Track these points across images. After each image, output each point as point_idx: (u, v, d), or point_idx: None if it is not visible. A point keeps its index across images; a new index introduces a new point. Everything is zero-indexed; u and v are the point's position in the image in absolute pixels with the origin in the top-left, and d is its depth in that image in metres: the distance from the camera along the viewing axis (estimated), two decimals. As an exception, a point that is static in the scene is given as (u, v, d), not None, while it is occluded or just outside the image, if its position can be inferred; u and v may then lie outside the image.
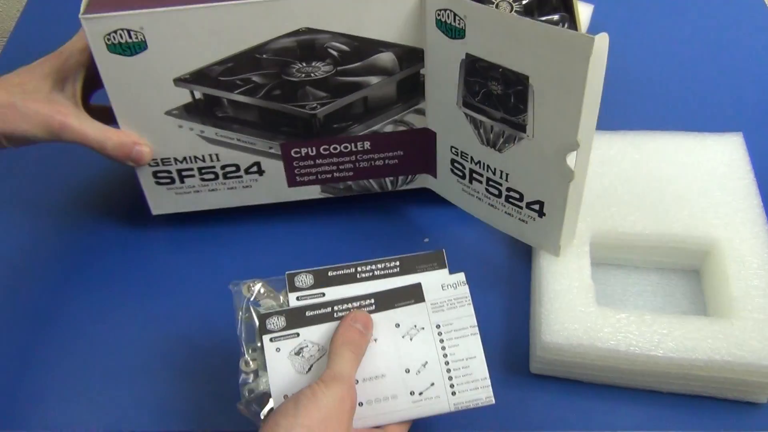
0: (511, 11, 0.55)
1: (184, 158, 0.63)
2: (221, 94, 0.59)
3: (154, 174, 0.64)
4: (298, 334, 0.48)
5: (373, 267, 0.51)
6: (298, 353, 0.48)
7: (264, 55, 0.56)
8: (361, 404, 0.47)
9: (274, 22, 0.55)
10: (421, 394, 0.48)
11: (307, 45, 0.56)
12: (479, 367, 0.49)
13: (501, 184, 0.60)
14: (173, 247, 0.68)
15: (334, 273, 0.51)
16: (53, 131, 0.57)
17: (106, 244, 0.68)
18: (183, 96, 0.59)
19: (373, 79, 0.59)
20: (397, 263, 0.51)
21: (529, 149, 0.56)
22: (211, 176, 0.65)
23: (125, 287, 0.64)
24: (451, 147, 0.62)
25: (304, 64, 0.57)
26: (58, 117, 0.57)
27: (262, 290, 0.52)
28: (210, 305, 0.61)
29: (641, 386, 0.56)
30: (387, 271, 0.51)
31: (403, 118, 0.62)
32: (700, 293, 0.61)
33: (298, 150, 0.63)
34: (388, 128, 0.63)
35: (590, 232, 0.61)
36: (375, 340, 0.49)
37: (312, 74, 0.58)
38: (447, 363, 0.49)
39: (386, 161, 0.65)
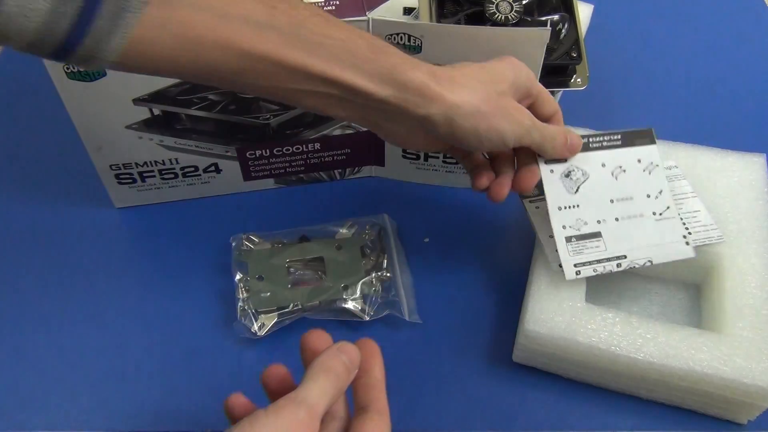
0: (511, 11, 0.57)
1: (145, 163, 0.64)
2: (179, 110, 0.61)
3: (116, 176, 0.65)
4: (566, 160, 0.57)
5: None
6: (567, 175, 0.57)
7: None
8: (617, 219, 0.57)
9: None
10: (661, 214, 0.57)
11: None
12: (706, 217, 0.59)
13: None
14: (167, 239, 0.67)
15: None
16: (523, 133, 0.51)
17: (99, 239, 0.67)
18: (142, 112, 0.60)
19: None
20: None
21: None
22: (171, 176, 0.67)
23: (124, 285, 0.64)
24: None
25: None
26: (527, 118, 0.51)
27: (255, 239, 0.62)
28: (209, 305, 0.61)
29: (621, 389, 0.56)
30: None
31: (350, 124, 0.65)
32: (698, 308, 0.60)
33: (253, 152, 0.66)
34: (337, 132, 0.66)
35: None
36: (624, 170, 0.58)
37: (265, 92, 0.61)
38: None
39: (335, 158, 0.69)
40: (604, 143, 0.59)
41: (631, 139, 0.59)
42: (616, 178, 0.58)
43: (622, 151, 0.59)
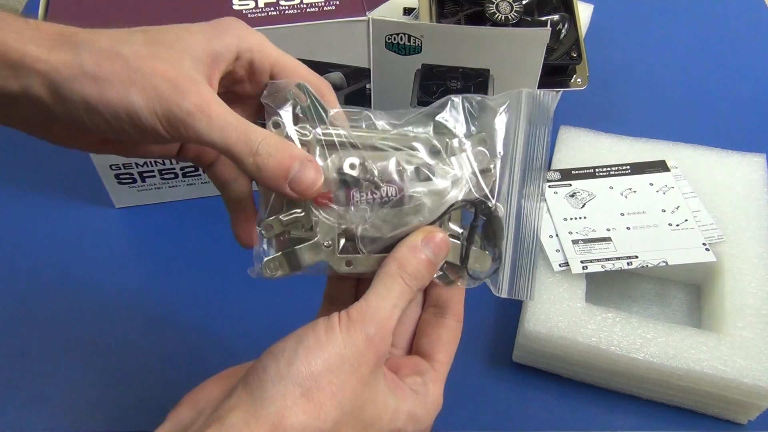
0: (511, 11, 0.58)
1: (145, 163, 0.64)
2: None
3: (116, 176, 0.65)
4: (570, 185, 0.60)
5: None
6: (572, 195, 0.59)
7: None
8: (628, 228, 0.57)
9: None
10: (678, 225, 0.57)
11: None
12: (706, 217, 0.59)
13: None
14: (167, 239, 0.67)
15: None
16: (175, 115, 0.32)
17: (99, 239, 0.67)
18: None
19: (323, 94, 0.60)
20: None
21: None
22: (171, 176, 0.67)
23: (123, 285, 0.64)
24: None
25: (257, 84, 0.59)
26: (194, 96, 0.33)
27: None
28: (209, 305, 0.62)
29: (621, 389, 0.56)
30: None
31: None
32: (698, 309, 0.60)
33: (254, 151, 0.65)
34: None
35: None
36: (635, 192, 0.59)
37: (265, 92, 0.60)
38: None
39: None
40: (612, 172, 0.59)
41: (642, 168, 0.59)
42: (626, 198, 0.58)
43: (632, 177, 0.59)
